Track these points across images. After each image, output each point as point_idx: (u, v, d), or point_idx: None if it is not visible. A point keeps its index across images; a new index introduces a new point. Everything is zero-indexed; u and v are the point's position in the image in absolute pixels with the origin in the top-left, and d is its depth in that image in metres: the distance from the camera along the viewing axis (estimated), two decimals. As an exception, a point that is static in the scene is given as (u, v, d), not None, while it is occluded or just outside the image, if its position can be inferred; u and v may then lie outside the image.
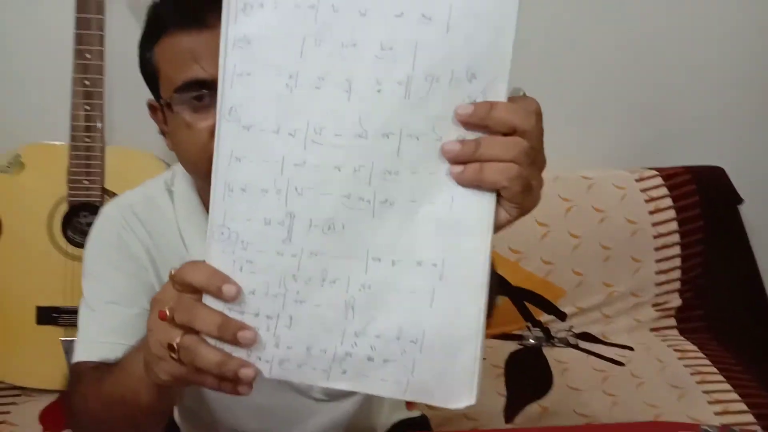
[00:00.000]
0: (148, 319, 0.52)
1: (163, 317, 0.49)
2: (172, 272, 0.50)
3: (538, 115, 0.46)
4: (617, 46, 1.51)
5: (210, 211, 0.48)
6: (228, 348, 0.48)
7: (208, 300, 0.48)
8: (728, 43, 1.54)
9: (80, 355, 0.73)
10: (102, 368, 0.68)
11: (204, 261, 0.49)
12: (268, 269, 0.48)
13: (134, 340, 0.71)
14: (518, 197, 0.46)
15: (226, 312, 0.48)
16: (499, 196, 0.46)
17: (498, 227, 0.47)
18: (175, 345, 0.48)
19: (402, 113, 0.45)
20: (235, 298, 0.48)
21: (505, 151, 0.45)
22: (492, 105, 0.44)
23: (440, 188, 0.46)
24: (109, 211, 0.81)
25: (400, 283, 0.48)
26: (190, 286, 0.49)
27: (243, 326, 0.48)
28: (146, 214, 0.80)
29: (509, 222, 0.48)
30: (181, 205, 0.80)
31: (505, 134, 0.45)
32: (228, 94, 0.47)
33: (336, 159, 0.46)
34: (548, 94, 0.47)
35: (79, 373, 0.71)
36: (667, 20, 1.51)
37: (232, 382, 0.49)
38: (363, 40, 0.45)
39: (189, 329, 0.48)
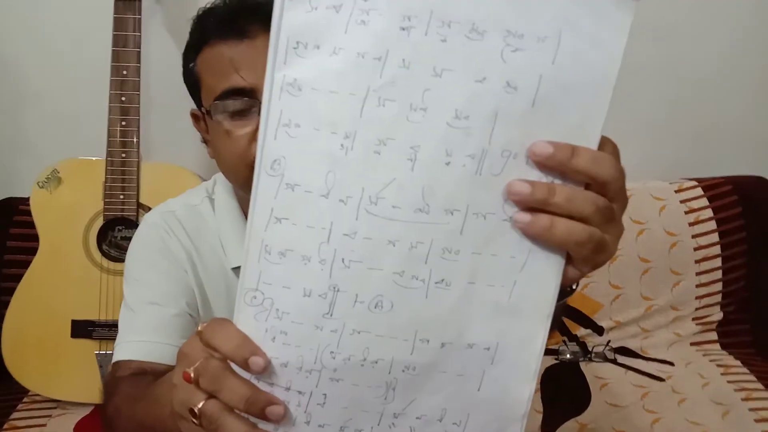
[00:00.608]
0: (174, 371, 0.48)
1: (187, 379, 0.45)
2: (200, 329, 0.46)
3: (617, 157, 0.42)
4: (652, 53, 1.48)
5: (242, 270, 0.43)
6: (254, 419, 0.44)
7: (236, 366, 0.44)
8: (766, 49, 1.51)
9: (120, 354, 0.73)
10: (139, 379, 0.68)
11: (233, 323, 0.44)
12: (303, 343, 0.43)
13: (173, 339, 0.73)
14: (588, 258, 0.42)
15: (254, 381, 0.44)
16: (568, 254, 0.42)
17: (566, 283, 0.43)
18: (196, 411, 0.44)
19: (470, 189, 0.40)
20: (263, 371, 0.43)
21: (581, 208, 0.40)
22: (575, 150, 0.40)
23: (502, 271, 0.42)
24: (151, 217, 0.83)
25: (448, 365, 0.44)
26: (217, 350, 0.45)
27: (273, 400, 0.44)
28: (188, 219, 0.82)
29: (579, 278, 0.44)
30: (221, 212, 0.82)
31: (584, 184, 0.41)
32: (271, 145, 0.40)
33: (391, 233, 0.41)
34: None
35: (117, 380, 0.71)
36: (702, 28, 1.48)
37: None
38: (435, 104, 0.39)
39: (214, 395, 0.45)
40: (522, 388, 0.44)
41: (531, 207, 0.41)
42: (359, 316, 0.42)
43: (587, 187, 0.41)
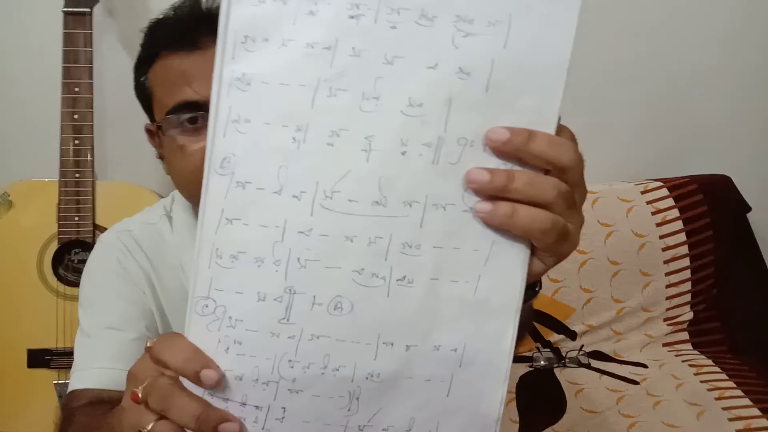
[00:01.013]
0: (124, 395, 0.46)
1: (135, 399, 0.42)
2: (148, 344, 0.43)
3: (575, 143, 0.41)
4: (613, 55, 1.49)
5: (192, 278, 0.41)
6: None
7: (187, 381, 0.41)
8: (730, 50, 1.53)
9: (75, 383, 0.70)
10: (96, 408, 0.65)
11: (183, 336, 0.42)
12: (259, 352, 0.41)
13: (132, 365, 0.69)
14: (552, 246, 0.40)
15: (207, 397, 0.41)
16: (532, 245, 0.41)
17: (532, 277, 0.42)
18: None
19: (428, 180, 0.39)
20: (216, 385, 0.40)
21: (542, 193, 0.39)
22: (531, 134, 0.38)
23: (466, 265, 0.40)
24: (107, 237, 0.80)
25: (415, 370, 0.42)
26: (167, 365, 0.42)
27: (226, 417, 0.41)
28: (145, 239, 0.79)
29: (544, 271, 0.43)
30: (179, 230, 0.80)
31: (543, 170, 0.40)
32: (220, 143, 0.39)
33: (348, 228, 0.39)
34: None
35: (72, 410, 0.67)
36: (665, 27, 1.50)
37: None
38: (388, 93, 0.38)
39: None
40: (494, 390, 0.43)
41: (491, 195, 0.39)
42: (318, 319, 0.40)
43: (547, 173, 0.40)
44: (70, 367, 0.73)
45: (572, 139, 0.41)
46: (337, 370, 0.41)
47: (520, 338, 0.43)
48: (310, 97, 0.38)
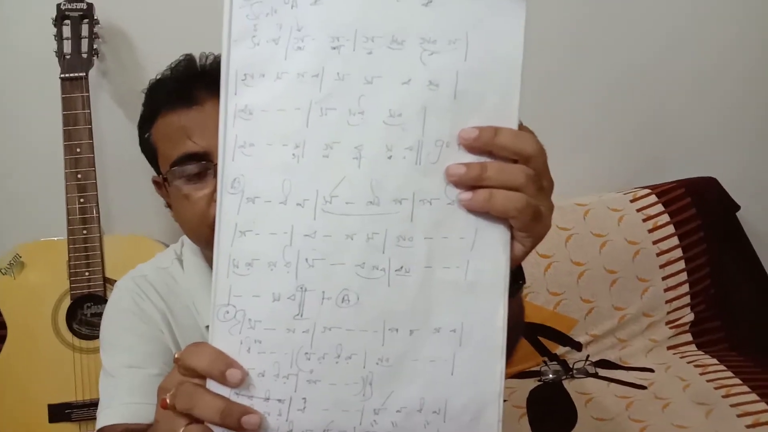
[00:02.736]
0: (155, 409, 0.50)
1: (164, 406, 0.46)
2: (176, 356, 0.48)
3: (535, 137, 0.46)
4: (601, 67, 1.53)
5: (213, 289, 0.46)
6: None
7: (213, 385, 0.46)
8: (712, 53, 1.56)
9: (103, 420, 0.73)
10: None
11: (207, 342, 0.46)
12: (278, 348, 0.45)
13: (156, 398, 0.72)
14: (528, 225, 0.45)
15: (233, 397, 0.45)
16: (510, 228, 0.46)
17: (514, 261, 0.47)
18: None
19: (414, 178, 0.45)
20: (240, 383, 0.45)
21: (513, 177, 0.44)
22: (497, 130, 0.44)
23: (455, 252, 0.45)
24: (123, 282, 0.84)
25: (419, 352, 0.46)
26: (194, 370, 0.46)
27: (247, 410, 0.45)
28: (159, 282, 0.83)
29: (525, 254, 0.48)
30: (190, 272, 0.84)
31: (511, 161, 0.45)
32: (230, 166, 0.45)
33: (348, 227, 0.45)
34: (534, 126, 0.47)
35: None
36: (647, 35, 1.52)
37: None
38: (371, 107, 0.44)
39: (194, 418, 0.46)
40: (492, 365, 0.46)
41: (470, 186, 0.44)
42: (328, 312, 0.45)
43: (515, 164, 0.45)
44: (91, 419, 0.76)
45: (533, 134, 0.46)
46: (350, 358, 0.45)
47: (515, 341, 0.47)
48: (304, 118, 0.44)
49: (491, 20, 0.44)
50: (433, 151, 0.44)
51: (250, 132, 0.45)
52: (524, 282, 0.57)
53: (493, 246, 0.46)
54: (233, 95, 0.45)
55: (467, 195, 0.44)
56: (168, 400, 0.46)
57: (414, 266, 0.45)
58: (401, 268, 0.45)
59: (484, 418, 0.46)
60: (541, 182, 0.46)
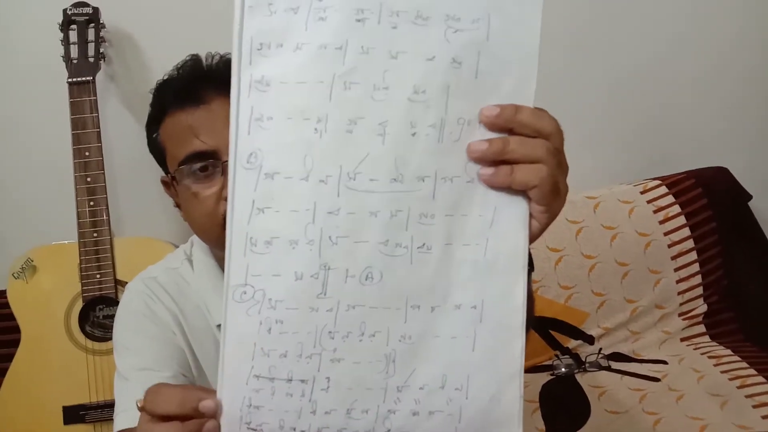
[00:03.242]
0: None
1: (140, 409, 0.46)
2: (139, 404, 0.47)
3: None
4: (611, 60, 1.52)
5: (227, 269, 0.44)
6: None
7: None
8: (721, 44, 1.55)
9: (119, 424, 0.73)
10: None
11: (167, 385, 0.46)
12: (301, 328, 0.45)
13: None
14: (548, 198, 0.45)
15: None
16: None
17: (531, 238, 0.47)
18: None
19: (436, 156, 0.44)
20: (216, 410, 0.44)
21: (533, 150, 0.45)
22: (518, 108, 0.45)
23: (475, 230, 0.45)
24: (134, 284, 0.84)
25: (441, 329, 0.46)
26: (165, 417, 0.45)
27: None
28: (170, 283, 0.83)
29: (541, 231, 0.48)
30: (200, 272, 0.84)
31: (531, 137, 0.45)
32: (244, 140, 0.43)
33: (372, 205, 0.44)
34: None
35: None
36: (657, 28, 1.52)
37: None
38: (396, 83, 0.44)
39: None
40: (513, 342, 0.46)
41: (492, 162, 0.45)
42: (352, 290, 0.45)
43: None
44: (106, 420, 0.76)
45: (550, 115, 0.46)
46: (373, 335, 0.45)
47: (526, 330, 0.47)
48: (327, 92, 0.43)
49: (511, 5, 0.45)
50: (455, 130, 0.44)
51: (268, 104, 0.43)
52: (533, 268, 0.57)
53: (511, 224, 0.46)
54: (247, 65, 0.43)
55: (489, 170, 0.45)
56: (139, 404, 0.46)
57: (435, 244, 0.45)
58: (423, 245, 0.45)
59: (505, 395, 0.46)
60: (560, 158, 0.46)
